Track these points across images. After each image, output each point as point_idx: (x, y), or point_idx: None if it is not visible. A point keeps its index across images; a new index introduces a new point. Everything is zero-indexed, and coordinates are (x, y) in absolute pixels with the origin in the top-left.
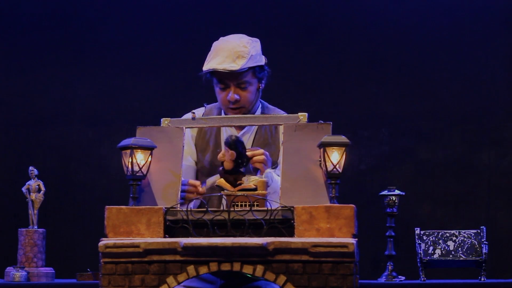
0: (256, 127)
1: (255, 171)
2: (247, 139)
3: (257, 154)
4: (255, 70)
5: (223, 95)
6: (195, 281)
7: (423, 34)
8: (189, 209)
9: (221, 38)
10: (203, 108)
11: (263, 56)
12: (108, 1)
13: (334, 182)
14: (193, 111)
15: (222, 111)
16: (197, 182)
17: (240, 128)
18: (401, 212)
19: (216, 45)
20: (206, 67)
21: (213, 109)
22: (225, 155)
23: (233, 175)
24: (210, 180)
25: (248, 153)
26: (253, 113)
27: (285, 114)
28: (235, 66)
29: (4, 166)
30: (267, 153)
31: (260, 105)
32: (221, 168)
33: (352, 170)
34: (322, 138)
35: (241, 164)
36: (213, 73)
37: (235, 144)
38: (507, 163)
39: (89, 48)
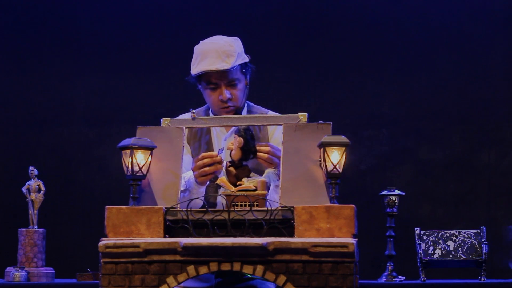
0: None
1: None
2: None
3: (263, 150)
4: (242, 67)
5: (214, 96)
6: (190, 280)
7: (423, 34)
8: (189, 209)
9: (202, 42)
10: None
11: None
12: (107, 1)
13: (334, 182)
14: (193, 111)
15: (211, 113)
16: (213, 153)
17: (229, 127)
18: (401, 212)
19: (200, 48)
20: (197, 70)
21: (200, 113)
22: (233, 143)
23: (238, 169)
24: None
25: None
26: (241, 112)
27: (285, 114)
28: (226, 65)
29: (4, 166)
30: (276, 150)
31: (246, 104)
32: (228, 161)
33: (352, 170)
34: (322, 138)
35: (248, 155)
36: (202, 75)
37: (244, 132)
38: (507, 163)
39: (89, 48)
